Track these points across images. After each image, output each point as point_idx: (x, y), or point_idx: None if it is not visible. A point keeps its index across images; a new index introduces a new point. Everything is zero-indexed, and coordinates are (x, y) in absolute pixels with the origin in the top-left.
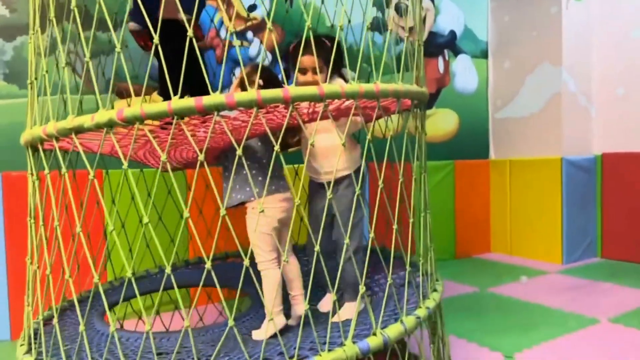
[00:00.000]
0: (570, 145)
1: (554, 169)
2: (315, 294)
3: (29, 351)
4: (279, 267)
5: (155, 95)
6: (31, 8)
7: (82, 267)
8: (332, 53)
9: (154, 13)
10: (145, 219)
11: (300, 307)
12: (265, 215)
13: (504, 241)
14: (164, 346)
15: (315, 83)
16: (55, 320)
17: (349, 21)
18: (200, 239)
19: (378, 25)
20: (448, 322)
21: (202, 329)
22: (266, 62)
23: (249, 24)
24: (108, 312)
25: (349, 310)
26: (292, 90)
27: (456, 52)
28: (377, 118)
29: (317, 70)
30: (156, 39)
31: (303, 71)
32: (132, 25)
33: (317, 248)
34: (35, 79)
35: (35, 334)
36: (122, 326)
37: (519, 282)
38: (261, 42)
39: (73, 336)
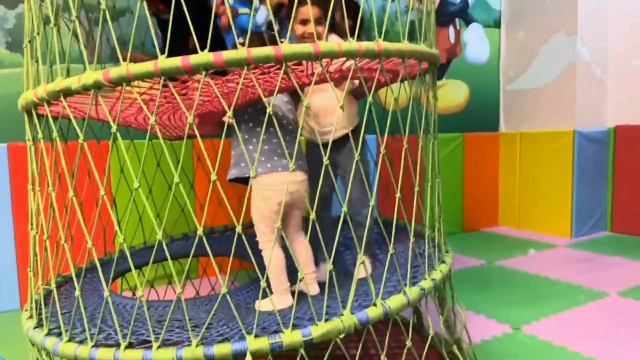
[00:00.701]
0: (584, 117)
1: (566, 142)
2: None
3: (31, 317)
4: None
5: None
6: None
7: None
8: (331, 6)
9: None
10: (136, 184)
11: (313, 287)
12: (263, 197)
13: (513, 214)
14: (165, 314)
15: (319, 36)
16: (53, 286)
17: None
18: (210, 209)
19: None
20: (456, 294)
21: (207, 297)
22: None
23: None
24: (103, 282)
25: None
26: (284, 48)
27: (468, 21)
28: (385, 84)
29: (315, 20)
30: None
31: (304, 22)
32: None
33: (312, 216)
34: (29, 41)
35: (45, 299)
36: (133, 294)
37: (527, 256)
38: (267, 8)
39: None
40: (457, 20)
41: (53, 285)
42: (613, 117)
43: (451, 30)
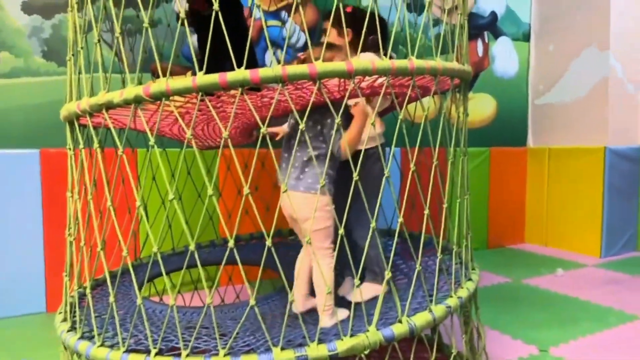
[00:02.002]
0: (615, 133)
1: (597, 158)
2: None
3: (65, 320)
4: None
5: (189, 75)
6: None
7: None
8: (363, 24)
9: None
10: (171, 195)
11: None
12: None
13: (540, 232)
14: (194, 320)
15: (328, 45)
16: (87, 291)
17: None
18: (234, 219)
19: (414, 5)
20: (481, 313)
21: (234, 305)
22: (300, 43)
23: (283, 3)
24: (136, 288)
25: (371, 289)
26: (319, 66)
27: (497, 34)
28: (415, 99)
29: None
30: (216, 5)
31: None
32: None
33: (341, 231)
34: (73, 55)
35: (79, 302)
36: (161, 299)
37: (554, 274)
38: (295, 22)
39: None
40: (485, 33)
41: (88, 290)
42: None
43: (479, 43)
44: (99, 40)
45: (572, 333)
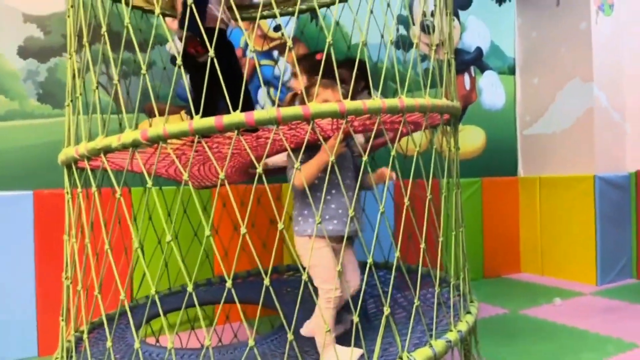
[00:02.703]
0: (603, 162)
1: (587, 187)
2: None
3: None
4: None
5: (183, 114)
6: (68, 32)
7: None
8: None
9: (203, 21)
10: (168, 237)
11: None
12: None
13: (535, 261)
14: None
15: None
16: (85, 336)
17: (382, 36)
18: (231, 256)
19: (403, 43)
20: (480, 346)
21: (232, 346)
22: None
23: (274, 43)
24: (134, 331)
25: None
26: (312, 107)
27: (482, 68)
28: (406, 134)
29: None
30: (212, 52)
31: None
32: (181, 32)
33: (338, 267)
34: (72, 101)
35: (75, 347)
36: (157, 340)
37: (552, 304)
38: (288, 61)
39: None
40: (472, 67)
41: (85, 335)
42: (634, 162)
43: (466, 77)
44: (97, 86)
45: None
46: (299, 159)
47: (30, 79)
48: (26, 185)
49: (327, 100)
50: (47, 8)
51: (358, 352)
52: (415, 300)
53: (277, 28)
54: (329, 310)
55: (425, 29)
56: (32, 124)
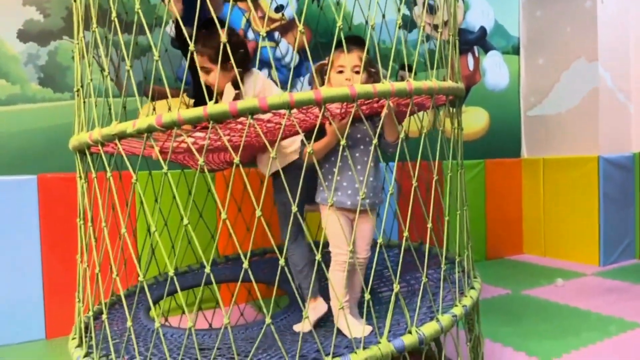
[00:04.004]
0: (608, 142)
1: (591, 168)
2: None
3: (80, 345)
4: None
5: (185, 97)
6: (75, 19)
7: (128, 263)
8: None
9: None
10: (185, 221)
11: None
12: None
13: (538, 242)
14: (205, 342)
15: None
16: (104, 317)
17: (383, 16)
18: (239, 237)
19: (406, 24)
20: (481, 325)
21: (242, 326)
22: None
23: (275, 25)
24: (153, 308)
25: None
26: (324, 91)
27: (486, 48)
28: (412, 114)
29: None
30: (224, 37)
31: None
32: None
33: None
34: (82, 86)
35: (86, 328)
36: (166, 320)
37: (554, 285)
38: (289, 42)
39: (121, 330)
40: (475, 48)
41: (105, 315)
42: (637, 143)
43: (470, 58)
44: (108, 72)
45: (574, 343)
46: (311, 144)
47: (31, 62)
48: (29, 169)
49: (343, 66)
50: None
51: (368, 328)
52: (423, 277)
53: (278, 9)
54: (338, 273)
55: (429, 9)
56: (33, 107)
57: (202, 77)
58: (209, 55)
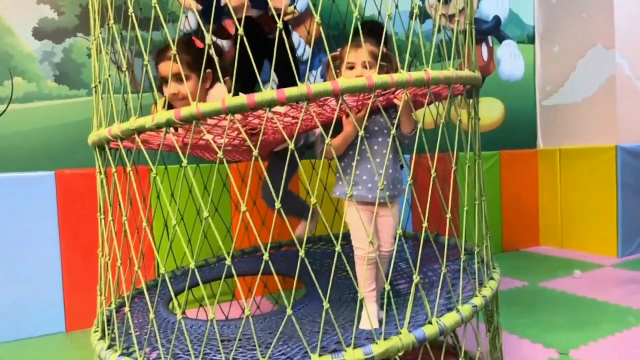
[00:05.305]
0: (626, 131)
1: (608, 157)
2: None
3: (102, 337)
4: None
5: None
6: (92, 16)
7: (146, 257)
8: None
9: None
10: (205, 213)
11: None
12: None
13: (555, 234)
14: (224, 333)
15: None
16: (127, 309)
17: (396, 7)
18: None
19: (419, 14)
20: (499, 317)
21: (260, 316)
22: (305, 56)
23: (287, 17)
24: (174, 299)
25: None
26: (341, 82)
27: (501, 38)
28: (428, 104)
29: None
30: (280, 24)
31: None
32: (253, 11)
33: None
34: (100, 82)
35: (108, 321)
36: (184, 313)
37: (572, 276)
38: (301, 35)
39: (142, 323)
40: (489, 37)
41: (127, 308)
42: None
43: (484, 47)
44: (126, 68)
45: (592, 335)
46: (330, 135)
47: (46, 60)
48: (46, 165)
49: (353, 63)
50: None
51: (376, 323)
52: (443, 268)
53: (291, 1)
54: (360, 266)
55: None
56: (50, 104)
57: (172, 89)
58: (187, 62)
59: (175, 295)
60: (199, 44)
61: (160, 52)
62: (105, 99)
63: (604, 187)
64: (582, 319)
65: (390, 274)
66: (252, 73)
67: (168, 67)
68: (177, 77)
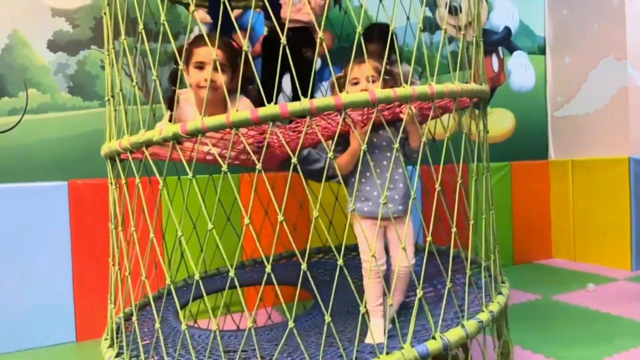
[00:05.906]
0: (639, 143)
1: (621, 169)
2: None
3: (111, 345)
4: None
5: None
6: (105, 30)
7: (158, 266)
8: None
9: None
10: (210, 225)
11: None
12: None
13: (567, 246)
14: (231, 344)
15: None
16: (135, 318)
17: (407, 18)
18: (267, 239)
19: (429, 25)
20: (511, 332)
21: (267, 327)
22: (317, 66)
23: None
24: (179, 310)
25: None
26: (344, 97)
27: (511, 49)
28: (435, 117)
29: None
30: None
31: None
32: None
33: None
34: (112, 96)
35: (117, 329)
36: (195, 322)
37: (585, 290)
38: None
39: (153, 331)
40: (500, 48)
41: (135, 317)
42: None
43: (494, 58)
44: (136, 82)
45: (606, 350)
46: (332, 149)
47: (60, 72)
48: (60, 175)
49: (357, 78)
50: (74, 2)
51: (380, 338)
52: (448, 282)
53: None
54: (367, 280)
55: (452, 10)
56: (64, 116)
57: (208, 75)
58: (224, 57)
59: (187, 304)
60: (236, 45)
61: (200, 36)
62: (118, 111)
63: (616, 199)
64: (597, 333)
65: (392, 290)
66: (273, 85)
67: (208, 52)
68: (216, 65)
